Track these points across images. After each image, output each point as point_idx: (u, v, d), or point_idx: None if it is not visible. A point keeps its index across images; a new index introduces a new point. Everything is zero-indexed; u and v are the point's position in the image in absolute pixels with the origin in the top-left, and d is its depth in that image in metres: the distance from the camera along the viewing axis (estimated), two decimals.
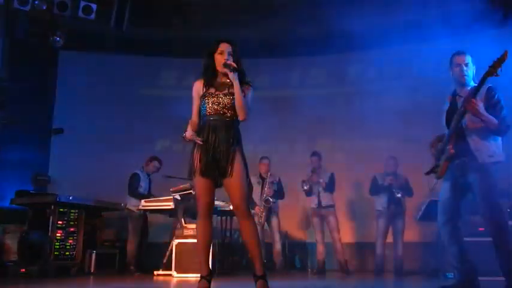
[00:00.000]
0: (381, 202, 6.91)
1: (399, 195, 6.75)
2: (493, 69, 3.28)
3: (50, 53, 8.55)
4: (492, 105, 3.49)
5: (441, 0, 7.53)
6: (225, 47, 3.34)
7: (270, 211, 6.99)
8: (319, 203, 6.99)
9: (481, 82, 3.37)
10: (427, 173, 3.88)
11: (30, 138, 7.68)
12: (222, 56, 3.31)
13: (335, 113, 8.52)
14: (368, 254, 7.96)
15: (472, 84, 3.66)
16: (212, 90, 3.34)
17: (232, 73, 3.24)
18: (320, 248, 7.03)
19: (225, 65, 3.26)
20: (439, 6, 7.60)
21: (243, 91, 3.28)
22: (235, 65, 3.25)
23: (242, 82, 3.34)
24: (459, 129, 3.55)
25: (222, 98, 3.30)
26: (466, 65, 3.65)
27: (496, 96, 3.53)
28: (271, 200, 6.91)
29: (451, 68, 3.72)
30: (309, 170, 7.14)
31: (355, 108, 8.36)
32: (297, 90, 8.81)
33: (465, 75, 3.64)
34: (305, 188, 6.98)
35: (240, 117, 3.28)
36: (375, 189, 7.00)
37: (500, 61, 3.26)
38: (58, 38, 8.26)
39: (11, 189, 6.98)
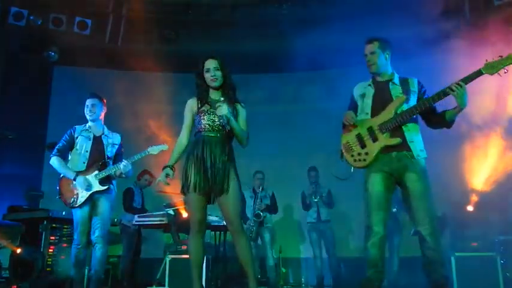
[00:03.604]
0: None
1: (394, 209, 6.75)
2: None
3: (44, 68, 8.57)
4: (422, 96, 3.44)
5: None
6: (209, 64, 3.37)
7: (262, 225, 6.93)
8: (318, 217, 6.99)
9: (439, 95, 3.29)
10: (342, 157, 3.61)
11: (23, 154, 7.65)
12: (209, 73, 3.34)
13: (330, 127, 8.51)
14: (364, 268, 7.93)
15: (389, 70, 3.55)
16: (207, 107, 3.36)
17: (224, 118, 3.29)
18: (318, 263, 7.01)
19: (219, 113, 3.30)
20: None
21: (235, 117, 3.34)
22: (223, 111, 3.24)
23: (232, 100, 3.37)
24: (396, 118, 3.35)
25: (216, 115, 3.31)
26: (372, 53, 3.53)
27: (425, 87, 3.51)
28: (261, 214, 6.86)
29: None
30: (302, 184, 7.15)
31: None
32: (292, 105, 8.84)
33: (371, 65, 3.54)
34: (315, 200, 6.97)
35: (242, 145, 3.40)
36: None
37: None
38: (52, 53, 8.31)
39: (3, 204, 6.92)
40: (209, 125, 3.33)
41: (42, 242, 6.10)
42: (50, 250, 6.18)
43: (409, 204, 3.30)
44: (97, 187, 4.44)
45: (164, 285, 5.81)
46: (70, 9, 7.96)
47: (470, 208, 6.38)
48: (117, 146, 4.70)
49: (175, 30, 8.41)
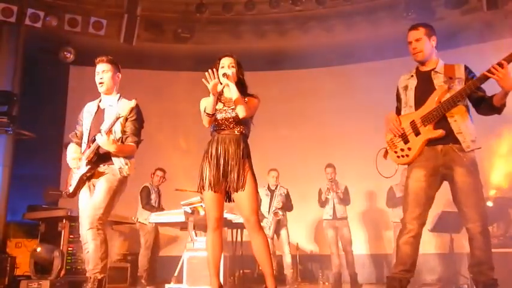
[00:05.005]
0: (398, 214, 6.83)
1: None
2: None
3: (61, 68, 8.66)
4: None
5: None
6: (225, 62, 3.39)
7: (279, 223, 6.94)
8: (334, 214, 6.95)
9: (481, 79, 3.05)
10: (386, 156, 3.40)
11: (42, 153, 7.74)
12: (223, 69, 3.35)
13: (346, 123, 8.49)
14: (382, 265, 7.90)
15: (434, 58, 3.31)
16: (220, 105, 3.36)
17: (225, 79, 3.27)
18: (335, 261, 6.96)
19: (223, 76, 3.29)
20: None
21: (247, 102, 3.31)
22: (228, 74, 3.28)
23: (246, 95, 3.38)
24: (438, 108, 3.13)
25: (230, 112, 3.32)
26: (418, 40, 3.27)
27: (473, 73, 3.23)
28: (280, 212, 6.87)
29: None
30: (319, 181, 7.12)
31: (367, 118, 8.33)
32: (307, 102, 8.81)
33: (417, 53, 3.29)
34: (328, 196, 6.93)
35: (240, 115, 3.26)
36: (393, 201, 6.89)
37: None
38: (69, 54, 8.39)
39: (23, 203, 7.02)
40: (223, 123, 3.33)
41: (62, 240, 6.17)
42: (69, 249, 6.25)
43: (458, 200, 3.09)
44: (83, 169, 3.60)
45: (182, 283, 5.84)
46: (85, 10, 8.03)
47: (490, 204, 6.30)
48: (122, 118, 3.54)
49: (190, 29, 8.43)
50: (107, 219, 3.58)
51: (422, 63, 3.33)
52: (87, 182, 3.66)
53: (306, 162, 8.44)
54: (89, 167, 3.58)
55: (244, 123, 3.34)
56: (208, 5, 8.24)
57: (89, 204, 3.54)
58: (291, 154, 8.57)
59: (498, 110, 3.16)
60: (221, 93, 3.41)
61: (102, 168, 3.60)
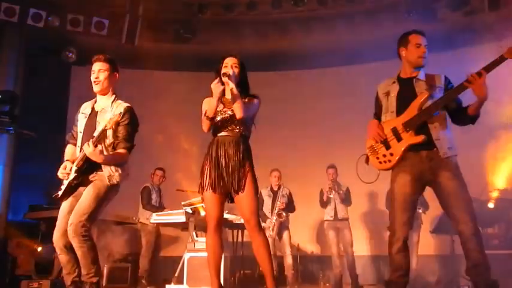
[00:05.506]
0: None
1: (420, 210, 6.65)
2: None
3: (62, 68, 8.67)
4: None
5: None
6: (229, 62, 3.39)
7: (282, 224, 6.93)
8: (336, 215, 6.93)
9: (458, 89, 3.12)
10: (368, 161, 3.43)
11: (43, 153, 7.73)
12: (226, 69, 3.35)
13: (348, 124, 8.47)
14: (382, 266, 7.88)
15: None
16: (221, 107, 3.35)
17: (226, 78, 3.25)
18: (336, 262, 6.95)
19: (223, 75, 3.28)
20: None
21: (246, 102, 3.31)
22: (229, 73, 3.27)
23: (247, 95, 3.38)
24: (420, 115, 3.19)
25: (230, 114, 3.31)
26: (426, 46, 3.30)
27: (452, 83, 3.28)
28: (283, 213, 6.86)
29: (406, 47, 3.35)
30: (320, 182, 7.12)
31: (369, 120, 8.32)
32: (309, 103, 8.80)
33: (424, 58, 3.29)
34: (330, 196, 6.91)
35: (237, 115, 3.25)
36: None
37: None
38: (70, 54, 8.41)
39: (24, 203, 7.02)
40: (223, 125, 3.33)
41: None
42: None
43: (447, 204, 3.13)
44: (71, 176, 3.48)
45: (182, 283, 5.84)
46: (87, 10, 8.05)
47: (490, 205, 6.29)
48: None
49: (191, 29, 8.44)
50: (92, 226, 3.43)
51: (420, 68, 3.35)
52: (76, 190, 3.51)
53: (307, 163, 8.42)
54: (76, 174, 3.45)
55: (244, 124, 3.33)
56: (210, 5, 8.25)
57: (74, 210, 3.37)
58: (293, 155, 8.56)
59: (473, 119, 3.23)
60: (223, 95, 3.41)
61: (91, 176, 3.46)
